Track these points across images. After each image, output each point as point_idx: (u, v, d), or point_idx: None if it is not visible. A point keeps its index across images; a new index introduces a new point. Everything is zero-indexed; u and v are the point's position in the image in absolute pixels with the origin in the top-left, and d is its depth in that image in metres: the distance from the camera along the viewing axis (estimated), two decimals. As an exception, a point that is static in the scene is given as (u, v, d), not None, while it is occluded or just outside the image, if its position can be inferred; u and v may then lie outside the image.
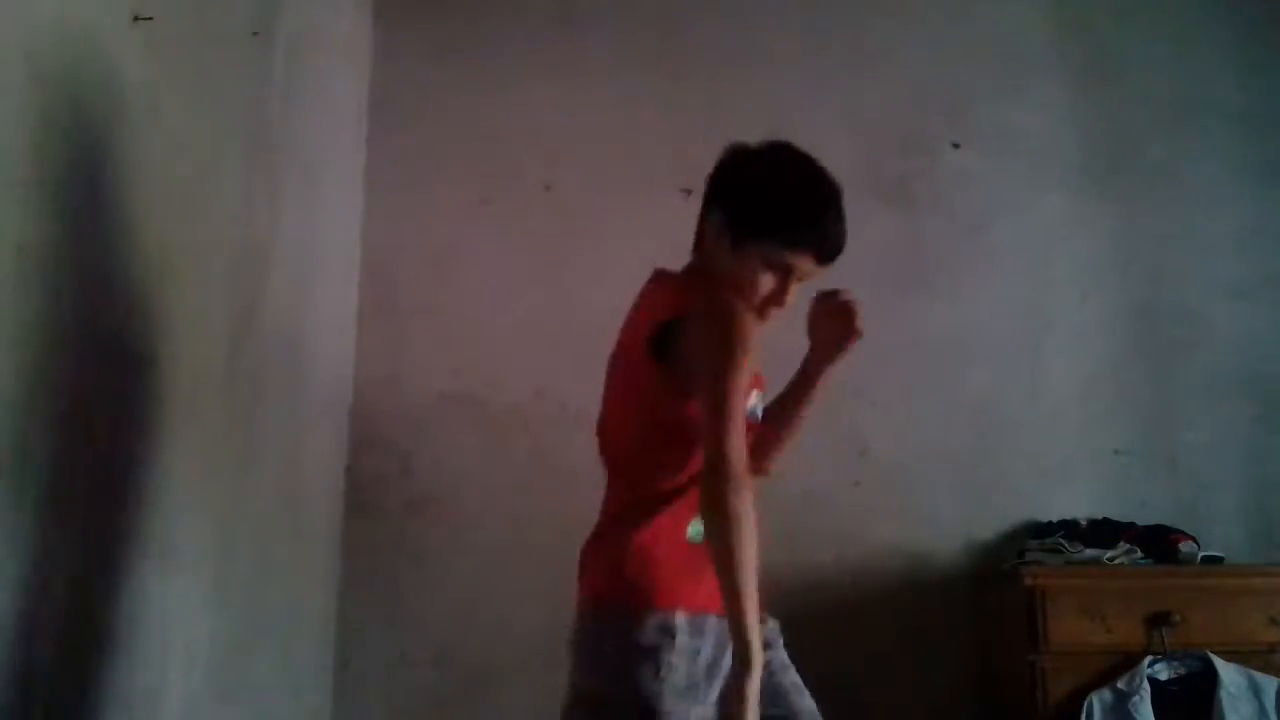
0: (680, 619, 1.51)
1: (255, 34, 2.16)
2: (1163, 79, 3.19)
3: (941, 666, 2.80)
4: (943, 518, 2.90)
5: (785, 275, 1.58)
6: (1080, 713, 2.38)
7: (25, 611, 1.37)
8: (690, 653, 1.50)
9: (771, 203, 1.60)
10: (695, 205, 1.70)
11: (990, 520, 2.89)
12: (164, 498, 1.79)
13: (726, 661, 1.49)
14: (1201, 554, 2.64)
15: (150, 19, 1.62)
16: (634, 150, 3.07)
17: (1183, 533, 2.68)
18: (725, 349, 1.48)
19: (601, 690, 1.52)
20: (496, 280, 2.99)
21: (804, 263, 1.58)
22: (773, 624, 1.66)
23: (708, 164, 1.72)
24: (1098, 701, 2.38)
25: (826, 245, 1.59)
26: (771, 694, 1.54)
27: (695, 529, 1.53)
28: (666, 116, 3.09)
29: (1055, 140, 3.14)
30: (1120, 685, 2.39)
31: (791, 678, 1.67)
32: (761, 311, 1.58)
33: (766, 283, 1.58)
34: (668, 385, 1.55)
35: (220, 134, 2.02)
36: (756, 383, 1.62)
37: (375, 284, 2.99)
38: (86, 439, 1.52)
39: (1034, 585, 2.49)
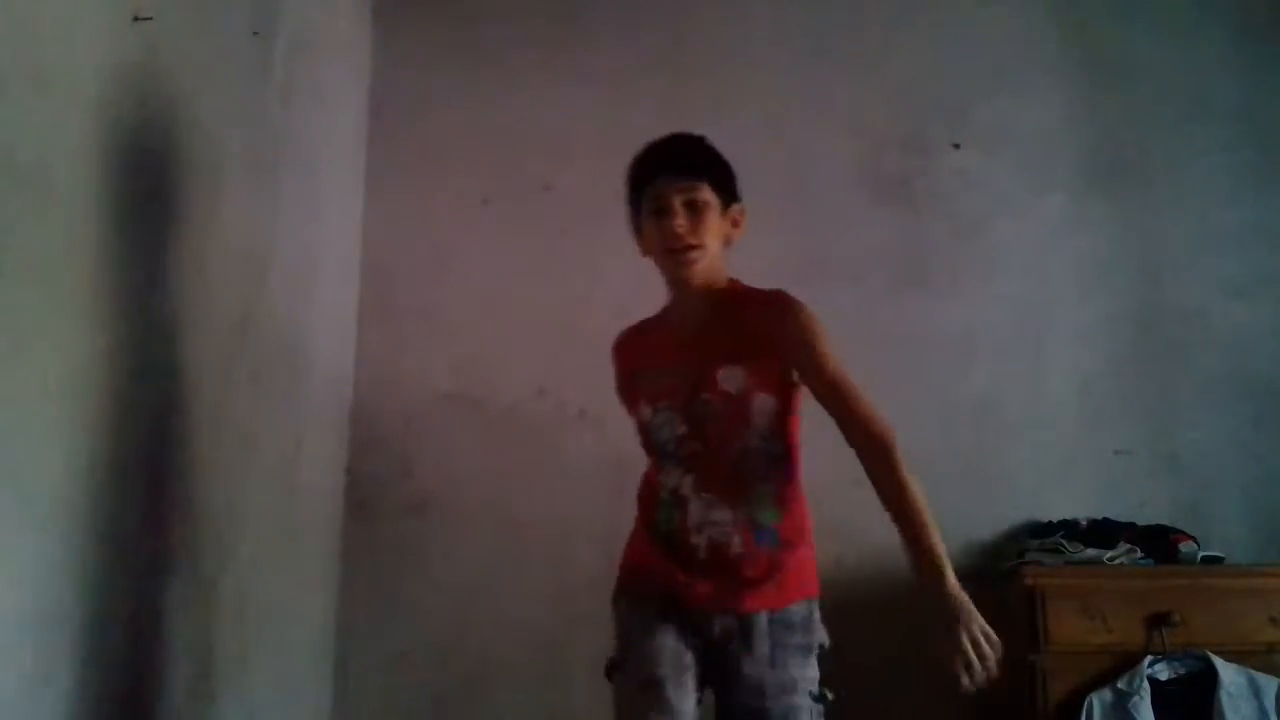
0: None
1: (255, 34, 2.16)
2: (1163, 79, 3.19)
3: (941, 666, 2.79)
4: (943, 518, 2.86)
5: (655, 213, 1.78)
6: (1080, 713, 2.37)
7: (27, 612, 1.37)
8: None
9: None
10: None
11: (990, 520, 2.89)
12: (163, 498, 1.79)
13: None
14: (1201, 554, 2.64)
15: (150, 19, 1.62)
16: (634, 151, 3.06)
17: (1183, 533, 2.68)
18: None
19: None
20: (496, 280, 2.99)
21: (652, 190, 1.80)
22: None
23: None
24: (1098, 701, 2.38)
25: (650, 160, 1.84)
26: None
27: None
28: (666, 117, 3.07)
29: (1055, 140, 3.14)
30: (1120, 685, 2.38)
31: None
32: (670, 254, 1.76)
33: (653, 231, 1.79)
34: None
35: (220, 134, 2.02)
36: (649, 395, 1.80)
37: (375, 284, 2.99)
38: (86, 440, 1.52)
39: (1034, 585, 2.48)
